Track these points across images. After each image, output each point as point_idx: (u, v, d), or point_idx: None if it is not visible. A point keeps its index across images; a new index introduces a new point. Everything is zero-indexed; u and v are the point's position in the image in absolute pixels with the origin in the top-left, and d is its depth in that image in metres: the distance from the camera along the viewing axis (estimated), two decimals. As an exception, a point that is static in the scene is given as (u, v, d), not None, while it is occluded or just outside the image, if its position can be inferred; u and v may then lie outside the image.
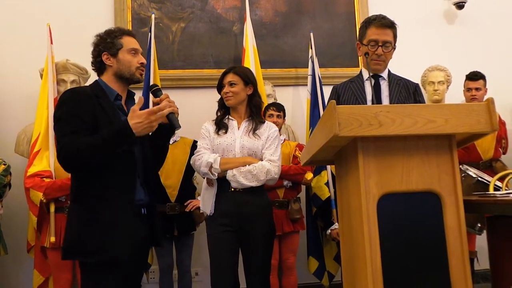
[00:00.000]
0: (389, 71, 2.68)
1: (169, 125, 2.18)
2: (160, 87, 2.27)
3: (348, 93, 2.67)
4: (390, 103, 2.55)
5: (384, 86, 2.63)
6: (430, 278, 1.52)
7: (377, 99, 2.55)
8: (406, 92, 2.60)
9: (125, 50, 2.15)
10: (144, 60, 2.20)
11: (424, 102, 2.68)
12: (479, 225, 3.38)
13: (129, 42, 2.17)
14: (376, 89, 2.60)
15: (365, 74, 2.67)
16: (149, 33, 3.94)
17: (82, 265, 2.02)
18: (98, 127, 1.99)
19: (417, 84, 2.72)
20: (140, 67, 2.18)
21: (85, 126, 1.97)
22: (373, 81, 2.55)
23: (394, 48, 2.62)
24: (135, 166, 2.11)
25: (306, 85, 4.22)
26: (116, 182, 2.03)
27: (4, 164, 3.43)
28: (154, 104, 2.16)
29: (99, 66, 2.19)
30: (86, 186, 2.03)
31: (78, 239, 1.98)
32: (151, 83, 3.79)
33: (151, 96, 2.37)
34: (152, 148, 2.25)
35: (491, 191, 2.17)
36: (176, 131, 3.61)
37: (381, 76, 2.64)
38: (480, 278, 4.15)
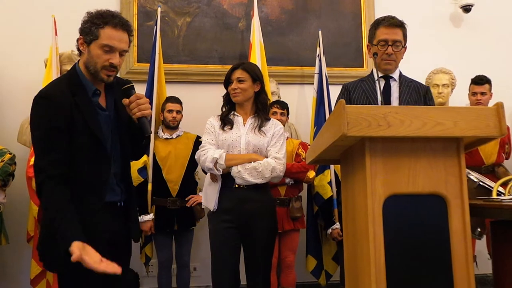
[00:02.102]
0: (400, 72, 2.66)
1: (139, 127, 2.01)
2: (133, 85, 2.04)
3: (359, 91, 2.65)
4: (400, 105, 2.53)
5: (395, 87, 2.61)
6: (434, 281, 1.52)
7: (386, 100, 2.54)
8: (417, 94, 2.59)
9: (98, 44, 1.90)
10: (116, 62, 1.93)
11: (434, 104, 2.66)
12: (479, 229, 3.38)
13: (107, 36, 1.90)
14: (386, 90, 2.59)
15: (376, 75, 2.66)
16: (155, 27, 3.93)
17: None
18: (75, 132, 1.88)
19: (429, 87, 2.71)
20: (108, 67, 1.93)
21: (61, 138, 1.85)
22: (382, 83, 2.55)
23: (405, 48, 2.61)
24: (109, 166, 1.99)
25: (311, 83, 4.22)
26: (88, 183, 1.91)
27: (10, 154, 3.44)
28: (125, 105, 2.00)
29: (77, 47, 1.99)
30: None
31: (46, 247, 1.92)
32: (156, 77, 3.79)
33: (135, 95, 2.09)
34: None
35: (494, 196, 2.16)
36: (179, 126, 3.66)
37: (392, 77, 2.63)
38: (478, 283, 4.14)
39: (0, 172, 3.32)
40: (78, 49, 2.01)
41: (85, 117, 1.91)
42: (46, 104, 1.88)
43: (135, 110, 1.97)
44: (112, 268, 1.70)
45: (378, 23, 2.61)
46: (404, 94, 2.57)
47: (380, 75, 2.61)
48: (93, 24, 1.91)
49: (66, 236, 1.75)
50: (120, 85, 2.10)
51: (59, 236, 1.78)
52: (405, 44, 2.60)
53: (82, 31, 1.94)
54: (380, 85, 2.48)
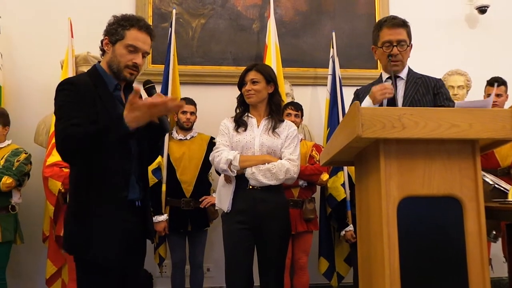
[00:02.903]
0: (409, 69, 2.64)
1: (160, 126, 2.06)
2: (154, 84, 2.11)
3: (366, 94, 2.67)
4: (404, 102, 2.52)
5: (401, 86, 2.60)
6: (448, 284, 1.51)
7: (391, 100, 2.55)
8: (425, 89, 2.56)
9: (123, 43, 2.00)
10: (139, 61, 2.04)
11: (448, 93, 2.62)
12: (494, 232, 3.35)
13: (132, 37, 2.01)
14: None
15: (384, 76, 2.67)
16: (170, 29, 3.96)
17: (76, 260, 1.98)
18: (97, 120, 1.91)
19: (439, 79, 2.66)
20: (131, 66, 2.02)
21: (85, 116, 1.88)
22: (390, 82, 2.55)
23: (410, 46, 2.59)
24: (131, 164, 2.03)
25: (325, 85, 4.22)
26: (110, 180, 1.95)
27: (25, 153, 3.48)
28: None
29: (100, 47, 2.09)
30: (81, 183, 1.96)
31: (71, 236, 1.96)
32: (170, 78, 3.82)
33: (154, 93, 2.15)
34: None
35: (510, 199, 2.14)
36: (193, 127, 3.68)
37: (399, 77, 2.62)
38: (493, 286, 4.09)
39: (16, 172, 3.36)
40: (102, 49, 2.08)
41: (107, 109, 1.95)
42: (70, 88, 1.93)
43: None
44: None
45: (380, 25, 2.59)
46: (409, 92, 2.54)
47: (387, 76, 2.62)
48: (120, 26, 2.02)
49: (110, 122, 1.84)
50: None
51: (104, 132, 1.82)
52: (410, 43, 2.58)
53: (108, 32, 2.04)
54: (394, 83, 2.47)
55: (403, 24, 2.56)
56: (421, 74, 2.64)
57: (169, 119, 3.64)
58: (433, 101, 2.53)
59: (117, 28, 2.01)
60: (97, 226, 1.91)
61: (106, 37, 2.04)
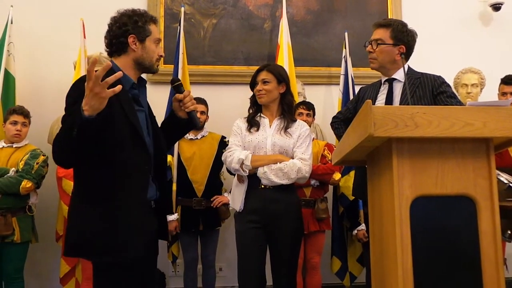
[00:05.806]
0: (409, 70, 2.61)
1: (189, 121, 2.17)
2: (181, 82, 2.23)
3: (363, 95, 2.77)
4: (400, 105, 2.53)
5: (398, 89, 2.61)
6: (462, 284, 1.49)
7: (388, 102, 2.59)
8: (422, 91, 2.55)
9: (152, 39, 2.07)
10: (162, 53, 2.15)
11: (450, 90, 2.58)
12: (509, 232, 3.30)
13: (155, 31, 2.10)
14: (389, 93, 2.62)
15: (383, 79, 2.72)
16: (179, 27, 3.97)
17: (94, 263, 1.94)
18: (113, 121, 1.83)
19: (439, 77, 2.60)
20: (158, 59, 2.12)
21: None
22: (386, 86, 2.64)
23: (398, 48, 2.57)
24: (149, 163, 2.01)
25: (337, 84, 4.20)
26: (129, 180, 1.90)
27: (43, 155, 3.49)
28: (178, 100, 2.15)
29: (119, 46, 2.04)
30: (97, 183, 1.88)
31: (89, 238, 1.85)
32: (180, 77, 3.82)
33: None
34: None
35: (526, 198, 2.11)
36: (204, 127, 3.68)
37: (395, 79, 2.64)
38: (508, 286, 4.05)
39: (35, 175, 3.36)
40: (123, 46, 2.03)
41: (123, 106, 1.92)
42: (82, 86, 1.85)
43: (189, 104, 2.12)
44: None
45: None
46: (406, 94, 2.51)
47: (385, 78, 2.67)
48: (144, 22, 2.05)
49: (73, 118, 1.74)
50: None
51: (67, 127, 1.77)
52: (394, 43, 2.58)
53: (134, 29, 2.03)
54: (410, 85, 2.47)
55: (382, 25, 2.66)
56: (420, 73, 2.63)
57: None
58: (433, 103, 2.52)
59: (144, 25, 2.04)
60: (120, 229, 1.86)
61: (133, 35, 2.02)
